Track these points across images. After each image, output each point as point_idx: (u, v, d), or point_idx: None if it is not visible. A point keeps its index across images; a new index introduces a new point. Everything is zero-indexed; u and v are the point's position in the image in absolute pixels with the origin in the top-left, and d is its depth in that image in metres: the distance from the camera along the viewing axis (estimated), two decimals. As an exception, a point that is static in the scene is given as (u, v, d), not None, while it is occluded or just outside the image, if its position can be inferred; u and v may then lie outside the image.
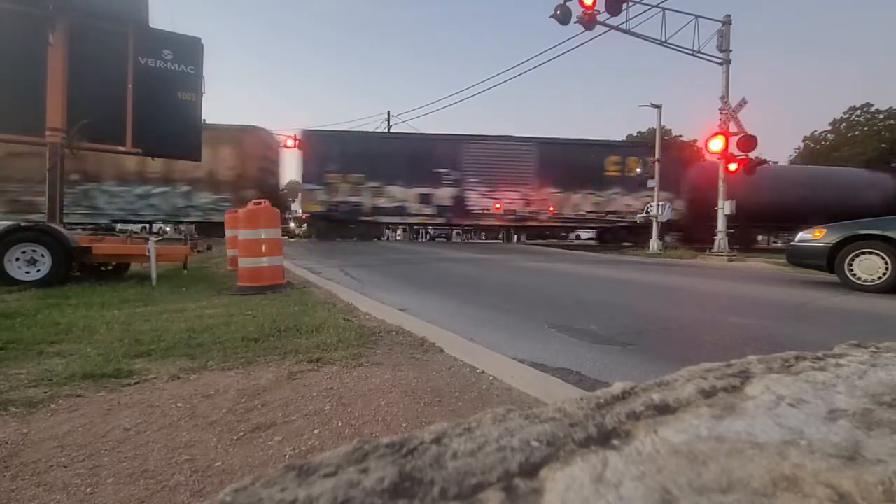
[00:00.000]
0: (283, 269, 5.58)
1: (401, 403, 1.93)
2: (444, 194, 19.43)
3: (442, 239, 25.87)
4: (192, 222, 18.07)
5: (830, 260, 6.12)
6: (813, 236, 6.45)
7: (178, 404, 1.89)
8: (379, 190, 18.98)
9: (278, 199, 19.24)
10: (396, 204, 19.12)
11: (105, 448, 1.54)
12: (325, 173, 18.66)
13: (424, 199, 19.22)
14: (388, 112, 31.00)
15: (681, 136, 39.58)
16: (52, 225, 5.64)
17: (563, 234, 29.08)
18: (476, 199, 19.69)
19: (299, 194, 20.87)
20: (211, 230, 16.99)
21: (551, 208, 20.09)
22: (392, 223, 21.01)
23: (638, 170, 18.24)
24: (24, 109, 6.07)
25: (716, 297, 5.52)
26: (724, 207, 12.77)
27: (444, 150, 19.38)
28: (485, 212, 19.93)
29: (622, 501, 0.32)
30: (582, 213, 20.21)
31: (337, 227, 18.97)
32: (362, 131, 21.68)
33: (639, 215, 18.30)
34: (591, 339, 3.17)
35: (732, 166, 12.38)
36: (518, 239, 24.18)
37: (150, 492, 1.29)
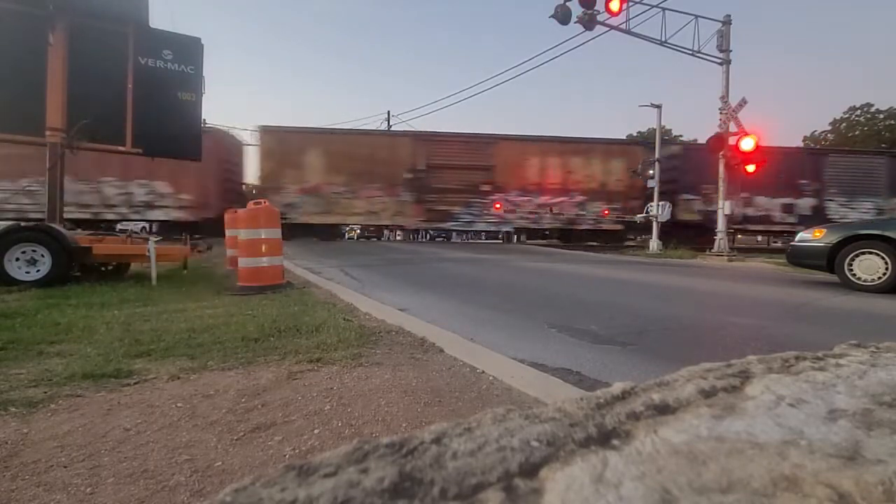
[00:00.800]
0: (283, 269, 5.59)
1: (401, 403, 1.93)
2: (804, 204, 20.63)
3: (441, 239, 25.92)
4: (583, 230, 19.99)
5: (830, 260, 6.12)
6: (813, 236, 6.45)
7: (178, 404, 1.89)
8: (748, 200, 20.14)
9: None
10: (762, 213, 20.51)
11: (105, 448, 1.54)
12: (701, 185, 19.45)
13: (787, 209, 20.53)
14: (388, 112, 31.45)
15: (681, 135, 39.60)
16: (52, 225, 5.64)
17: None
18: (834, 209, 20.85)
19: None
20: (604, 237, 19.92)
21: None
22: (756, 231, 22.23)
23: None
24: (24, 109, 6.07)
25: (716, 297, 5.52)
26: (724, 207, 12.79)
27: (805, 162, 20.57)
28: (843, 220, 20.90)
29: (622, 501, 0.32)
30: None
31: (699, 233, 19.65)
32: None
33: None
34: (591, 339, 3.17)
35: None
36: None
37: (150, 492, 1.29)
